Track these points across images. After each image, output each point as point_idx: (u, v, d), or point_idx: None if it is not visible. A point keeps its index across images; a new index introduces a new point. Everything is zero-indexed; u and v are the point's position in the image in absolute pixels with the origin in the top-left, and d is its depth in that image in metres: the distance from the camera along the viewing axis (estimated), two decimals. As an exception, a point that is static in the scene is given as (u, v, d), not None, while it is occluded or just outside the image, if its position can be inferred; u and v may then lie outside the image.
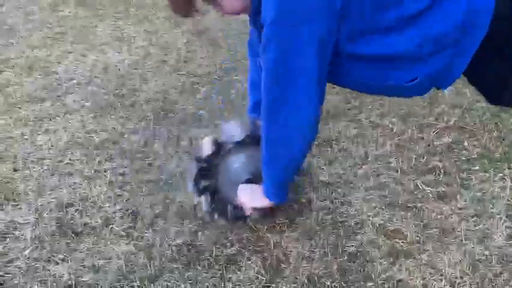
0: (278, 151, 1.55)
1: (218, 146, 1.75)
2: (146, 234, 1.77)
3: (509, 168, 2.05)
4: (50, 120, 2.49)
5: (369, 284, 1.56)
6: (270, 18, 1.36)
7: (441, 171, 2.06)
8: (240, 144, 1.75)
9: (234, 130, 1.81)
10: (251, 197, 1.68)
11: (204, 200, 1.78)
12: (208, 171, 1.76)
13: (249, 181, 1.72)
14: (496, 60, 1.47)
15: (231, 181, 1.77)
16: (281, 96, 1.45)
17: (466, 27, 1.40)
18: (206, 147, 1.78)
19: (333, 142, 2.27)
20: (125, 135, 2.35)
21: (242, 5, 1.49)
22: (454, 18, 1.39)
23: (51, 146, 2.27)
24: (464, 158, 2.13)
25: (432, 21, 1.40)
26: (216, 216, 1.77)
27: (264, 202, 1.65)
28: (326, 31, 1.37)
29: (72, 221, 1.83)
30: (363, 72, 1.51)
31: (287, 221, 1.81)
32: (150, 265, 1.64)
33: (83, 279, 1.60)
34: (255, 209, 1.68)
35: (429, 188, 1.96)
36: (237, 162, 1.77)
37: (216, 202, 1.77)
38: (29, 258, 1.67)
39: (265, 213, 1.72)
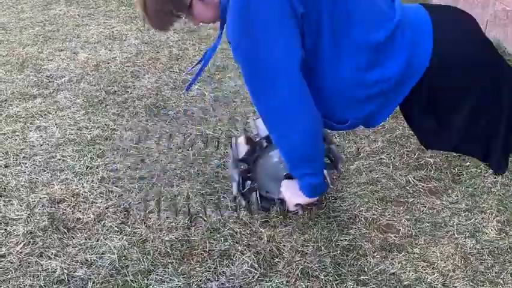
0: (287, 149, 1.53)
1: (253, 144, 1.75)
2: (139, 230, 1.77)
3: (500, 164, 2.07)
4: (42, 116, 2.48)
5: (362, 277, 1.57)
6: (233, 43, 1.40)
7: (433, 166, 2.07)
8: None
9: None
10: (294, 194, 1.65)
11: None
12: (248, 172, 1.77)
13: (287, 177, 1.71)
14: (423, 111, 1.52)
15: (271, 178, 1.78)
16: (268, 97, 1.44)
17: (403, 78, 1.45)
18: (242, 147, 1.79)
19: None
20: (118, 132, 2.34)
21: (213, 14, 1.49)
22: (394, 70, 1.44)
23: (43, 142, 2.26)
24: (455, 154, 2.15)
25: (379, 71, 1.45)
26: (243, 202, 1.82)
27: (309, 198, 1.63)
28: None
29: (64, 217, 1.82)
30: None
31: (280, 216, 1.81)
32: (143, 260, 1.64)
33: (75, 273, 1.59)
34: (299, 205, 1.67)
35: (421, 183, 1.98)
36: (275, 158, 1.77)
37: (247, 190, 1.80)
38: (21, 253, 1.67)
39: (309, 207, 1.74)
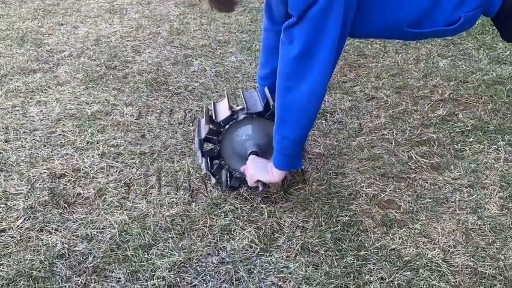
0: (295, 115, 1.55)
1: (233, 112, 1.74)
2: (139, 205, 1.76)
3: (503, 140, 2.05)
4: (42, 91, 2.46)
5: (363, 252, 1.57)
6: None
7: (436, 142, 2.06)
8: (253, 116, 1.75)
9: (252, 100, 1.81)
10: (258, 169, 1.68)
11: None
12: (216, 135, 1.76)
13: (254, 153, 1.73)
14: None
15: (237, 155, 1.79)
16: (305, 64, 1.46)
17: None
18: (222, 111, 1.78)
19: (328, 114, 2.26)
20: (118, 107, 2.33)
21: None
22: None
23: (43, 117, 2.25)
24: (458, 130, 2.13)
25: None
26: (213, 180, 1.81)
27: (272, 178, 1.66)
28: None
29: (65, 192, 1.82)
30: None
31: (281, 192, 1.80)
32: (144, 235, 1.64)
33: (76, 248, 1.59)
34: (260, 182, 1.68)
35: (423, 159, 1.96)
36: (245, 133, 1.77)
37: (216, 167, 1.80)
38: (21, 228, 1.67)
39: (268, 186, 1.75)
